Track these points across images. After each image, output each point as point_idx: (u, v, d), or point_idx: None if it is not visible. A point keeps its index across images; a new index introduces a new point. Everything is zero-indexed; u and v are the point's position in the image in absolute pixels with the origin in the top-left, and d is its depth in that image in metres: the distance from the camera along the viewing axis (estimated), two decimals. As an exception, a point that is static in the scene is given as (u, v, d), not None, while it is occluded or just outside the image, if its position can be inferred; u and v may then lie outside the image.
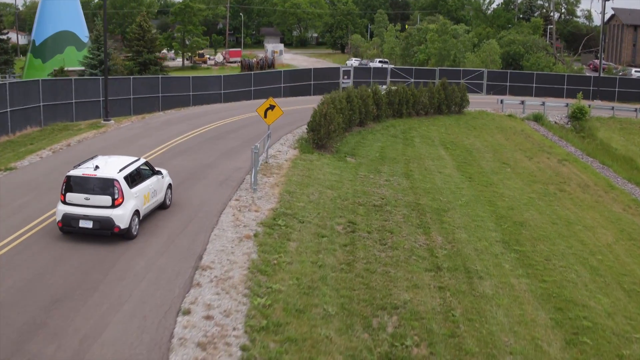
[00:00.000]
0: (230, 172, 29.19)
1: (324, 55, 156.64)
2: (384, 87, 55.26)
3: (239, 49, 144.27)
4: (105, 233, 19.70)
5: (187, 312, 15.71)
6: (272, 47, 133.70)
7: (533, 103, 64.14)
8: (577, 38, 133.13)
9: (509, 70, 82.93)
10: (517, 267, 23.07)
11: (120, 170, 20.32)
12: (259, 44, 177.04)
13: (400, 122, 50.99)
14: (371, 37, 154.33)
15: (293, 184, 28.06)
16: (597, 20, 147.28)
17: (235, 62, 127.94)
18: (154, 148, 33.76)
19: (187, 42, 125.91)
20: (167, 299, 16.32)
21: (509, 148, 46.69)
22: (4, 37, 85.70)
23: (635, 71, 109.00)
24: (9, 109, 38.26)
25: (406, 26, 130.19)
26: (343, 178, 31.23)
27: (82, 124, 42.52)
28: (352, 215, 25.42)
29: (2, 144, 35.76)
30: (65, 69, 75.90)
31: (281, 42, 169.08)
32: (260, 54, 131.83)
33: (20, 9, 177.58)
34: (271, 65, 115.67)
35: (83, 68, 72.33)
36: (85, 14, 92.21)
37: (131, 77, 54.93)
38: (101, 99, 45.12)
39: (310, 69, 71.53)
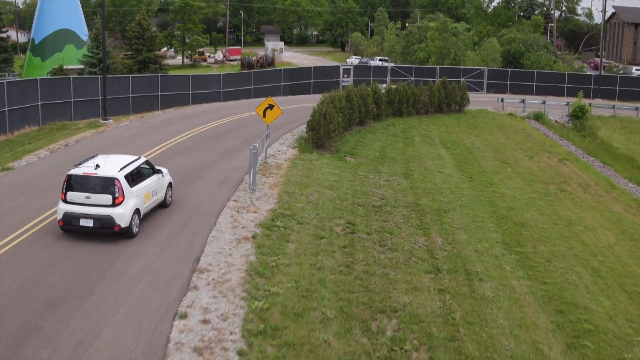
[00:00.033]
0: (229, 172, 29.00)
1: (324, 54, 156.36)
2: (384, 85, 55.03)
3: (239, 47, 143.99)
4: (105, 232, 19.72)
5: (184, 316, 15.53)
6: (272, 45, 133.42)
7: (533, 102, 63.98)
8: (578, 36, 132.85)
9: (509, 69, 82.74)
10: (518, 269, 22.88)
11: (121, 169, 20.36)
12: (259, 42, 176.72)
13: (401, 121, 50.78)
14: (371, 35, 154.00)
15: (292, 184, 27.87)
16: (597, 19, 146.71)
17: (235, 60, 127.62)
18: (153, 147, 33.56)
19: (187, 40, 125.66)
20: (163, 302, 16.13)
21: (509, 147, 46.50)
22: (4, 35, 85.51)
23: (636, 69, 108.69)
24: (6, 109, 38.07)
25: (406, 24, 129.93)
26: (342, 178, 31.04)
27: (80, 123, 42.32)
28: (351, 216, 25.23)
29: (0, 144, 35.58)
30: (65, 67, 75.81)
31: (281, 40, 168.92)
32: (261, 52, 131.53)
33: (20, 6, 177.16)
34: (271, 63, 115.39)
35: (82, 66, 72.22)
36: (84, 12, 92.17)
37: (130, 75, 54.74)
38: (100, 97, 44.91)
39: (310, 68, 71.31)
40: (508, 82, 75.86)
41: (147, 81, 52.87)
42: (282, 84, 64.98)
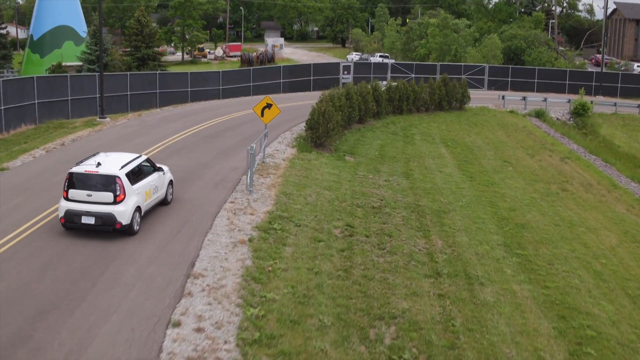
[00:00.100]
0: (227, 173, 28.61)
1: (325, 50, 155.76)
2: (384, 83, 54.62)
3: (239, 43, 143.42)
4: (107, 229, 19.81)
5: (177, 324, 15.15)
6: (273, 41, 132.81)
7: (535, 99, 63.56)
8: (579, 33, 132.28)
9: (510, 66, 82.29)
10: (519, 272, 22.52)
11: (122, 167, 20.47)
12: (259, 37, 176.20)
13: (401, 119, 50.39)
14: (372, 31, 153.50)
15: (290, 185, 27.48)
16: (598, 15, 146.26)
17: (235, 56, 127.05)
18: (150, 147, 33.14)
19: (187, 37, 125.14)
20: (157, 310, 15.75)
21: (510, 145, 46.11)
22: (3, 31, 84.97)
23: (637, 66, 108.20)
24: (2, 107, 37.71)
25: (407, 20, 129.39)
26: (341, 178, 30.65)
27: (77, 122, 41.92)
28: (350, 218, 24.84)
29: (-4, 143, 35.25)
30: (63, 64, 75.21)
31: (282, 36, 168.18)
32: (261, 48, 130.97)
33: (20, 2, 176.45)
34: (271, 59, 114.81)
35: (81, 63, 71.64)
36: (84, 8, 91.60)
37: (128, 73, 54.36)
38: (97, 95, 44.49)
39: (310, 65, 70.84)
40: (509, 79, 75.38)
41: (145, 78, 52.46)
42: (281, 81, 64.53)
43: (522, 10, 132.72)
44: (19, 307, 15.67)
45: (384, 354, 15.50)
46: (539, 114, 58.92)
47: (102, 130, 38.68)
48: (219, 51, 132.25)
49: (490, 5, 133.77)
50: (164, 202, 23.24)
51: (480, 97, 63.72)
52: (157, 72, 59.06)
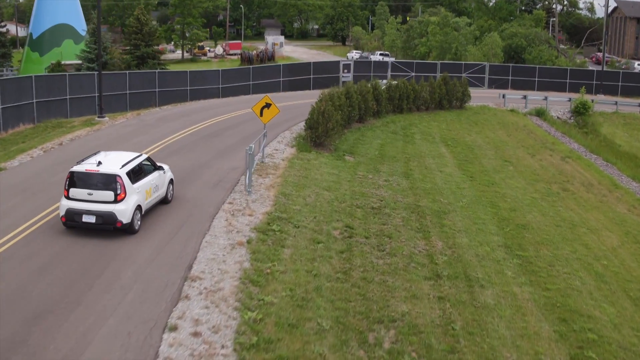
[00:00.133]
0: (225, 173, 28.41)
1: (325, 48, 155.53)
2: (384, 81, 54.40)
3: (239, 41, 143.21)
4: (107, 228, 19.91)
5: (174, 328, 14.96)
6: (273, 39, 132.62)
7: (535, 98, 63.36)
8: (580, 31, 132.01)
9: (510, 64, 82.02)
10: (520, 274, 22.32)
11: (123, 166, 20.58)
12: (259, 35, 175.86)
13: (401, 118, 50.18)
14: (372, 29, 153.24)
15: (289, 186, 27.28)
16: (599, 13, 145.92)
17: (235, 54, 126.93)
18: (148, 146, 32.93)
19: (187, 35, 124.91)
20: (153, 314, 15.56)
21: (511, 145, 45.91)
22: (3, 29, 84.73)
23: (638, 64, 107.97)
24: (0, 107, 37.49)
25: (407, 18, 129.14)
26: (341, 178, 30.45)
27: (75, 121, 41.72)
28: (349, 219, 24.63)
29: (-6, 142, 35.07)
30: (63, 62, 75.06)
31: (282, 34, 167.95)
32: (261, 46, 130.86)
33: (21, 0, 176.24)
34: (271, 57, 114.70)
35: (80, 62, 71.45)
36: (83, 6, 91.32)
37: (127, 72, 54.15)
38: (96, 94, 44.29)
39: (310, 63, 70.63)
40: (509, 78, 75.14)
41: (144, 77, 52.26)
42: (281, 79, 64.29)
43: (523, 8, 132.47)
44: (14, 310, 15.50)
45: (383, 359, 15.32)
46: (540, 113, 58.68)
47: (101, 129, 38.48)
48: (219, 49, 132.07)
49: (491, 3, 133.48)
50: (164, 201, 23.36)
51: (480, 96, 63.49)
52: (157, 70, 58.95)
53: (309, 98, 46.75)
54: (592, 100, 62.15)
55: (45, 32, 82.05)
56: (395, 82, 53.31)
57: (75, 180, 20.08)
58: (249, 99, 52.92)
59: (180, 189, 25.26)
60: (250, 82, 60.80)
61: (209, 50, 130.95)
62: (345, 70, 70.00)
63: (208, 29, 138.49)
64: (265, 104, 30.54)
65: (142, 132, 37.39)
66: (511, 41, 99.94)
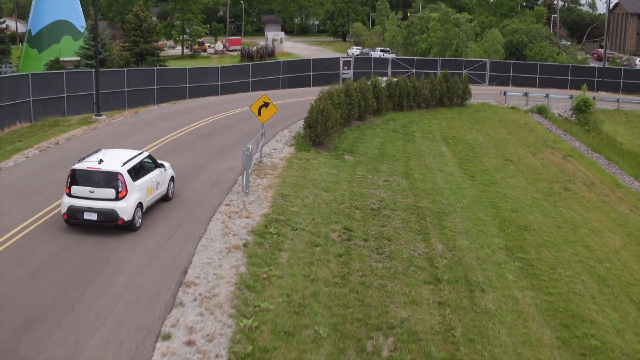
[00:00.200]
0: (223, 173, 28.01)
1: (325, 44, 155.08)
2: (384, 79, 54.04)
3: (239, 37, 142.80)
4: (109, 225, 20.03)
5: (167, 337, 14.60)
6: (273, 35, 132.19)
7: (537, 95, 62.89)
8: (581, 27, 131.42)
9: (512, 61, 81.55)
10: (521, 278, 21.96)
11: (124, 164, 20.70)
12: (259, 31, 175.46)
13: (401, 116, 49.77)
14: (373, 25, 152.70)
15: (287, 186, 26.90)
16: (600, 9, 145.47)
17: (235, 50, 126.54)
18: (145, 145, 32.48)
19: (187, 31, 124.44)
20: (146, 321, 15.20)
21: (512, 143, 45.52)
22: (3, 25, 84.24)
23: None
24: (-4, 105, 37.23)
25: (408, 14, 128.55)
26: (340, 178, 30.06)
27: (73, 119, 41.34)
28: (348, 221, 24.26)
29: (-11, 141, 34.70)
30: (61, 59, 74.59)
31: (282, 29, 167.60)
32: (261, 42, 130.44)
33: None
34: (271, 54, 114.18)
35: (79, 58, 71.05)
36: (82, 2, 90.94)
37: (125, 69, 53.80)
38: (94, 92, 43.93)
39: (310, 60, 70.18)
40: (510, 75, 74.74)
41: (142, 75, 51.90)
42: (281, 76, 63.90)
43: (524, 4, 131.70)
44: (5, 317, 15.14)
45: (382, 368, 14.98)
46: (541, 110, 58.27)
47: (98, 128, 38.06)
48: (219, 45, 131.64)
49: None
50: (165, 198, 23.49)
51: (481, 93, 63.09)
52: (155, 67, 58.51)
53: (308, 95, 46.34)
54: (594, 98, 61.69)
55: (44, 29, 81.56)
56: (396, 79, 52.91)
57: (77, 177, 20.19)
58: (248, 97, 52.53)
59: (178, 189, 24.87)
60: (250, 79, 60.41)
61: (208, 47, 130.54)
62: (346, 67, 69.63)
63: (208, 25, 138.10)
64: (263, 103, 30.15)
65: (139, 130, 36.98)
66: (512, 37, 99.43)
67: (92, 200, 19.99)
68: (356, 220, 24.68)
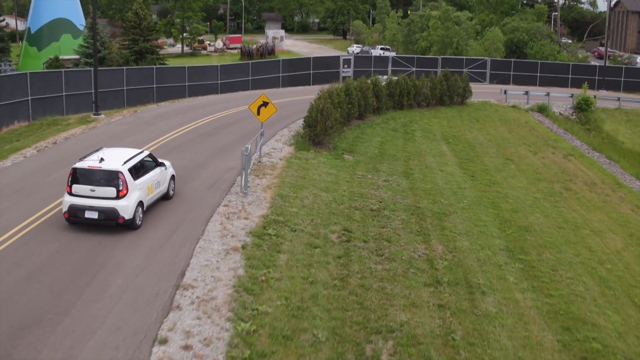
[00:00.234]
0: (222, 173, 27.81)
1: (326, 41, 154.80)
2: (385, 77, 53.86)
3: (239, 35, 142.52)
4: (110, 223, 20.16)
5: (164, 341, 14.42)
6: (273, 33, 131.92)
7: (537, 93, 62.64)
8: (582, 25, 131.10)
9: (512, 60, 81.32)
10: (522, 280, 21.79)
11: (125, 163, 20.83)
12: (260, 29, 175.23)
13: (401, 115, 49.57)
14: (373, 23, 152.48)
15: (286, 187, 26.70)
16: (601, 7, 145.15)
17: (235, 48, 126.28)
18: (143, 145, 32.19)
19: (187, 28, 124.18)
20: (143, 325, 15.03)
21: (512, 142, 45.33)
22: (2, 24, 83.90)
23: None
24: (-6, 104, 37.03)
25: (408, 12, 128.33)
26: (339, 179, 29.88)
27: (71, 119, 41.14)
28: (347, 222, 24.07)
29: (-13, 141, 34.50)
30: (61, 57, 74.36)
31: (282, 27, 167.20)
32: (261, 40, 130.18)
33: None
34: (271, 51, 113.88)
35: (78, 57, 70.82)
36: (82, 0, 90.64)
37: (124, 67, 53.54)
38: (92, 91, 43.71)
39: (310, 58, 69.91)
40: (511, 73, 74.49)
41: (142, 73, 51.68)
42: (280, 75, 63.65)
43: (525, 2, 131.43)
44: (0, 321, 14.99)
45: (381, 373, 14.82)
46: (542, 109, 58.06)
47: (96, 127, 37.84)
48: (219, 43, 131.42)
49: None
50: (165, 197, 23.57)
51: (482, 92, 62.86)
52: (154, 66, 58.29)
53: (308, 94, 46.14)
54: (595, 97, 61.46)
55: (44, 27, 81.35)
56: (396, 77, 52.70)
57: (78, 176, 20.30)
58: (247, 95, 52.36)
59: (176, 189, 24.66)
60: (250, 78, 60.19)
61: (209, 44, 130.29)
62: (346, 66, 69.39)
63: (208, 23, 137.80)
64: (262, 103, 29.96)
65: (138, 130, 36.78)
66: (513, 36, 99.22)
67: (93, 199, 20.09)
68: (356, 221, 24.50)
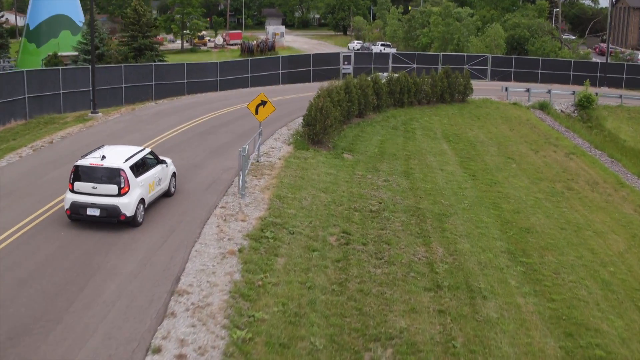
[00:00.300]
0: (219, 174, 27.43)
1: (326, 37, 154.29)
2: (385, 74, 53.45)
3: (239, 31, 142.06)
4: (112, 221, 20.34)
5: (157, 350, 14.08)
6: (273, 29, 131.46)
7: (539, 90, 62.14)
8: (583, 21, 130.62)
9: (513, 56, 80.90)
10: (524, 284, 21.43)
11: (126, 160, 20.99)
12: (260, 25, 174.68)
13: (402, 112, 49.17)
14: (374, 19, 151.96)
15: (285, 187, 26.33)
16: (603, 3, 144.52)
17: (235, 44, 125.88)
18: (140, 145, 31.88)
19: (187, 24, 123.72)
20: (136, 333, 14.68)
21: (514, 140, 44.92)
22: (2, 19, 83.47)
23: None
24: (-10, 102, 36.67)
25: (409, 8, 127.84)
26: (339, 179, 29.50)
27: (68, 117, 40.76)
28: (346, 224, 23.71)
29: (-17, 140, 34.11)
30: (59, 54, 73.99)
31: (283, 23, 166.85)
32: (261, 36, 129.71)
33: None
34: (271, 48, 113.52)
35: (77, 53, 70.44)
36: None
37: (122, 65, 53.13)
38: (90, 89, 43.34)
39: (310, 55, 69.52)
40: (512, 70, 74.08)
41: (140, 70, 51.32)
42: (280, 71, 63.21)
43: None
44: (-11, 330, 14.64)
45: (380, 382, 14.47)
46: (543, 107, 57.62)
47: (93, 126, 37.44)
48: (219, 39, 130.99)
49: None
50: (167, 194, 23.75)
51: (483, 89, 62.39)
52: (153, 63, 57.94)
53: (308, 91, 45.76)
54: (596, 94, 60.98)
55: (42, 23, 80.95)
56: (396, 75, 52.29)
57: (80, 174, 20.45)
58: (247, 92, 51.96)
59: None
60: (249, 75, 59.78)
61: (209, 40, 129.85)
62: (346, 62, 68.98)
63: (208, 19, 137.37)
64: (260, 102, 29.59)
65: (136, 129, 36.38)
66: (514, 32, 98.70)
67: (94, 196, 20.24)
68: (355, 223, 24.14)
